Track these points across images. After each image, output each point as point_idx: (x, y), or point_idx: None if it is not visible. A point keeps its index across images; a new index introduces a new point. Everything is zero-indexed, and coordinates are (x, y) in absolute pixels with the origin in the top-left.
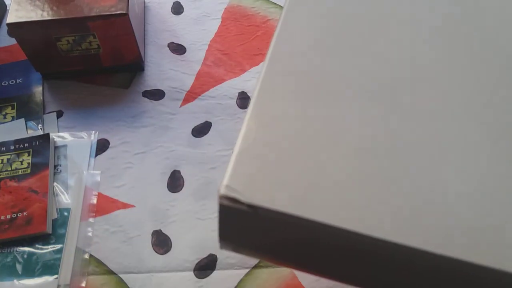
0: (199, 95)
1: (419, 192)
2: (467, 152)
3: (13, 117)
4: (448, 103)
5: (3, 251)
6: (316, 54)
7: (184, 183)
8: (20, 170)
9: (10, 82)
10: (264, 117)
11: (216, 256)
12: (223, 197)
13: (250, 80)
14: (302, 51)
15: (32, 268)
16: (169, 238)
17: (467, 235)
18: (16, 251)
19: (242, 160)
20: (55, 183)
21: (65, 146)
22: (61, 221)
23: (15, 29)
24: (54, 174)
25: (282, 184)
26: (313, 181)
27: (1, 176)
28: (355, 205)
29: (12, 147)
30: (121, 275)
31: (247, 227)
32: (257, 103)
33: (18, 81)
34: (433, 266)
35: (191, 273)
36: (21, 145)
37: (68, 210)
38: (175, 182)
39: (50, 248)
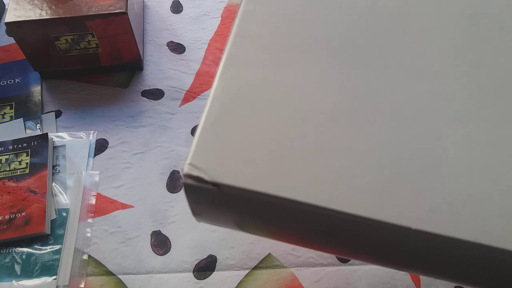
0: (199, 95)
1: (397, 164)
2: (453, 118)
3: (11, 117)
4: (434, 64)
5: (1, 252)
6: (287, 14)
7: None
8: (18, 170)
9: (8, 82)
10: (230, 88)
11: (215, 257)
12: (187, 176)
13: None
14: (272, 11)
15: (30, 269)
16: (169, 239)
17: (447, 209)
18: (15, 251)
19: (206, 135)
20: (53, 183)
21: (63, 146)
22: (60, 222)
23: (14, 28)
24: (52, 174)
25: (248, 159)
26: (281, 154)
27: (0, 176)
28: (325, 180)
29: (10, 147)
30: (120, 276)
31: (215, 204)
32: (223, 72)
33: (16, 80)
34: (404, 239)
35: (191, 274)
36: (20, 145)
37: (66, 210)
38: (174, 182)
39: (48, 248)
